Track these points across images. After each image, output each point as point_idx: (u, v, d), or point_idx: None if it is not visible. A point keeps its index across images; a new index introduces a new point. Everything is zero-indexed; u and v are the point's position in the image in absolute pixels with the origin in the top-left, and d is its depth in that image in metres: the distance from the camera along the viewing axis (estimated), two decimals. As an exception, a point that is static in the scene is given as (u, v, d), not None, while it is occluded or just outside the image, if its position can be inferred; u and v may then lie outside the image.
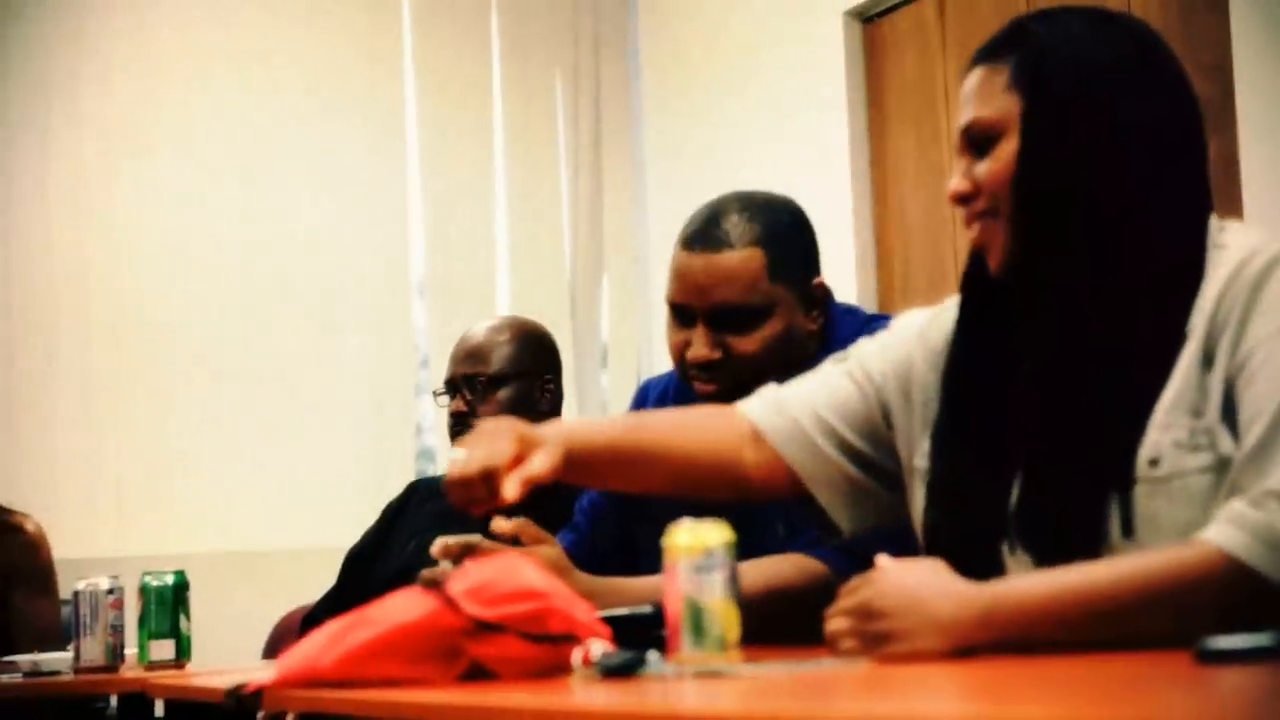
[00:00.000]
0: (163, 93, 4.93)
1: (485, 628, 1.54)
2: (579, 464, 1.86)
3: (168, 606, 2.50)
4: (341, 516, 3.98)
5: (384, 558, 3.06)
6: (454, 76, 5.29)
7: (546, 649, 1.54)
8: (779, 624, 1.88)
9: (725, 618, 1.52)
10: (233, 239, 4.93)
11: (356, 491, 4.55)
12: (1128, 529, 1.53)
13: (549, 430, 1.85)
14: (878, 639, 1.47)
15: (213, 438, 4.81)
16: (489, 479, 1.76)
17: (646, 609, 1.78)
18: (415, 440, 5.06)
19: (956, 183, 1.69)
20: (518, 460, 1.78)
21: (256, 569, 4.62)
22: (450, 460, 1.78)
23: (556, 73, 5.42)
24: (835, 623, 1.52)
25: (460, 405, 3.03)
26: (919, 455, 1.79)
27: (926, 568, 1.51)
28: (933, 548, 1.72)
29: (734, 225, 2.23)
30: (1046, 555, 1.58)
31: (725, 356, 2.20)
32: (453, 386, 3.06)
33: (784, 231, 2.27)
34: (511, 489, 1.76)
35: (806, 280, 2.27)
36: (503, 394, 3.01)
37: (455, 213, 5.22)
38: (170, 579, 2.51)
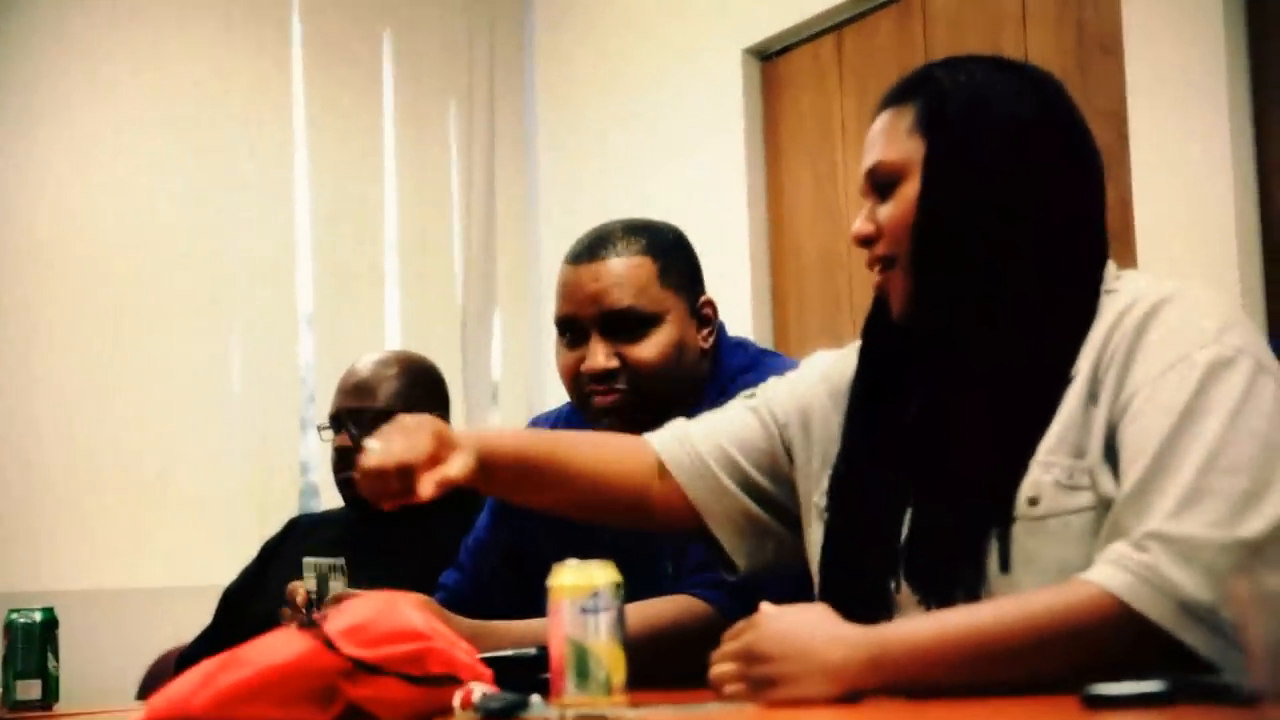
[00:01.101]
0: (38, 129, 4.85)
1: (363, 668, 1.52)
2: (492, 474, 1.87)
3: (35, 645, 2.44)
4: (220, 554, 3.93)
5: (262, 596, 3.02)
6: (344, 105, 5.26)
7: (426, 691, 1.53)
8: (665, 666, 1.88)
9: (611, 660, 1.51)
10: (110, 264, 4.85)
11: (236, 528, 4.50)
12: (1005, 566, 1.55)
13: (464, 433, 1.85)
14: (763, 683, 1.46)
15: (86, 469, 4.72)
16: (405, 474, 1.76)
17: (530, 651, 1.78)
18: (299, 476, 5.00)
19: (860, 225, 1.72)
20: (433, 459, 1.78)
21: (130, 607, 4.54)
22: (366, 451, 1.76)
23: (449, 103, 5.41)
24: (719, 667, 1.51)
25: (345, 441, 3.00)
26: (818, 494, 1.82)
27: (812, 612, 1.51)
28: (826, 584, 1.75)
29: (620, 238, 2.28)
30: (930, 592, 1.60)
31: (622, 366, 2.22)
32: (338, 421, 3.03)
33: (670, 245, 2.31)
34: (427, 488, 1.76)
35: (695, 295, 2.30)
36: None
37: (344, 244, 5.18)
38: (38, 616, 2.45)
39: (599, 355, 2.22)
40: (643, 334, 2.23)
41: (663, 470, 1.91)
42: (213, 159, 5.02)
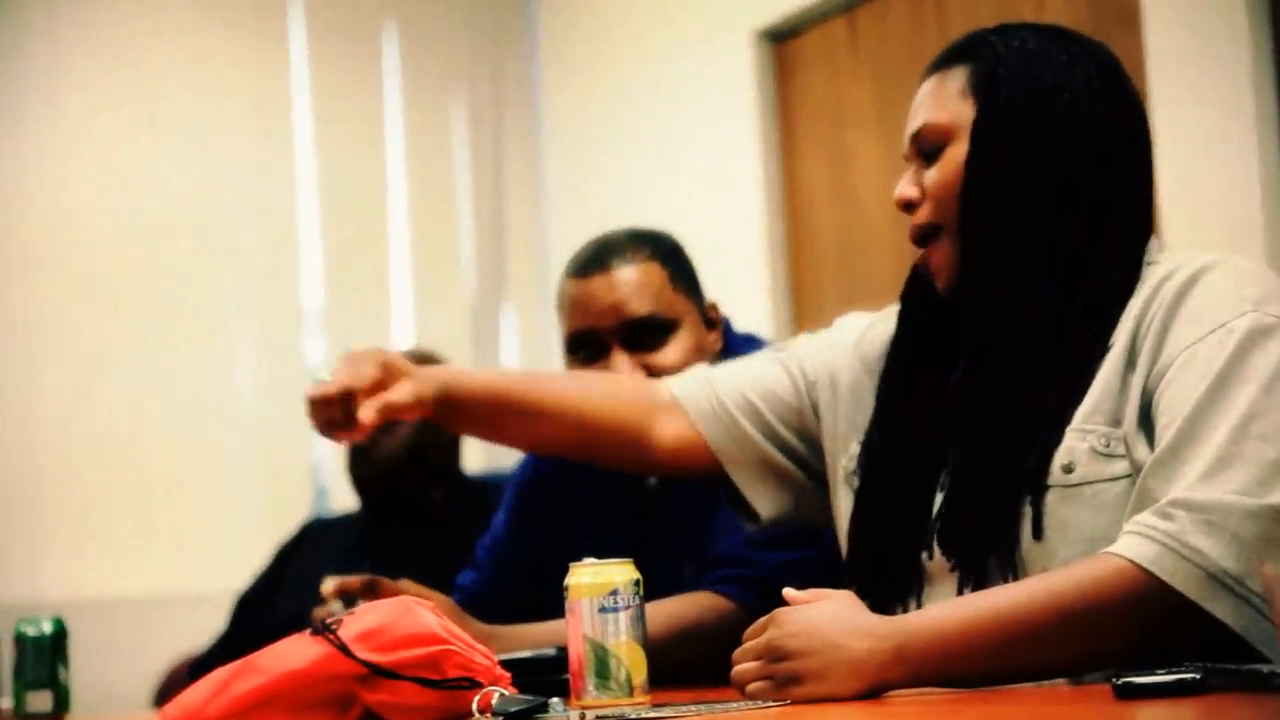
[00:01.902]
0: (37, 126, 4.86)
1: (379, 673, 1.52)
2: (458, 406, 1.86)
3: (45, 656, 2.44)
4: (232, 559, 3.93)
5: (276, 602, 3.03)
6: (348, 98, 5.26)
7: (444, 695, 1.52)
8: (688, 665, 1.88)
9: (631, 660, 1.51)
10: (112, 265, 4.85)
11: (248, 532, 4.49)
12: (1038, 533, 1.55)
13: (425, 369, 1.85)
14: (788, 681, 1.46)
15: (92, 476, 4.72)
16: (347, 402, 1.77)
17: (549, 651, 1.78)
18: (310, 478, 5.00)
19: (903, 189, 1.72)
20: (379, 386, 1.76)
21: (141, 615, 4.54)
22: (311, 382, 1.77)
23: (455, 94, 5.41)
24: (742, 666, 1.51)
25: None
26: (846, 459, 1.82)
27: (835, 603, 1.51)
28: (855, 554, 1.75)
29: (625, 246, 2.25)
30: (964, 560, 1.60)
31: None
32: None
33: (673, 249, 2.30)
34: (368, 413, 1.76)
35: (702, 298, 2.29)
36: (403, 426, 2.99)
37: (350, 240, 5.18)
38: (48, 627, 2.46)
39: (624, 368, 2.18)
40: (663, 341, 2.21)
41: (676, 410, 1.91)
42: (214, 155, 5.02)
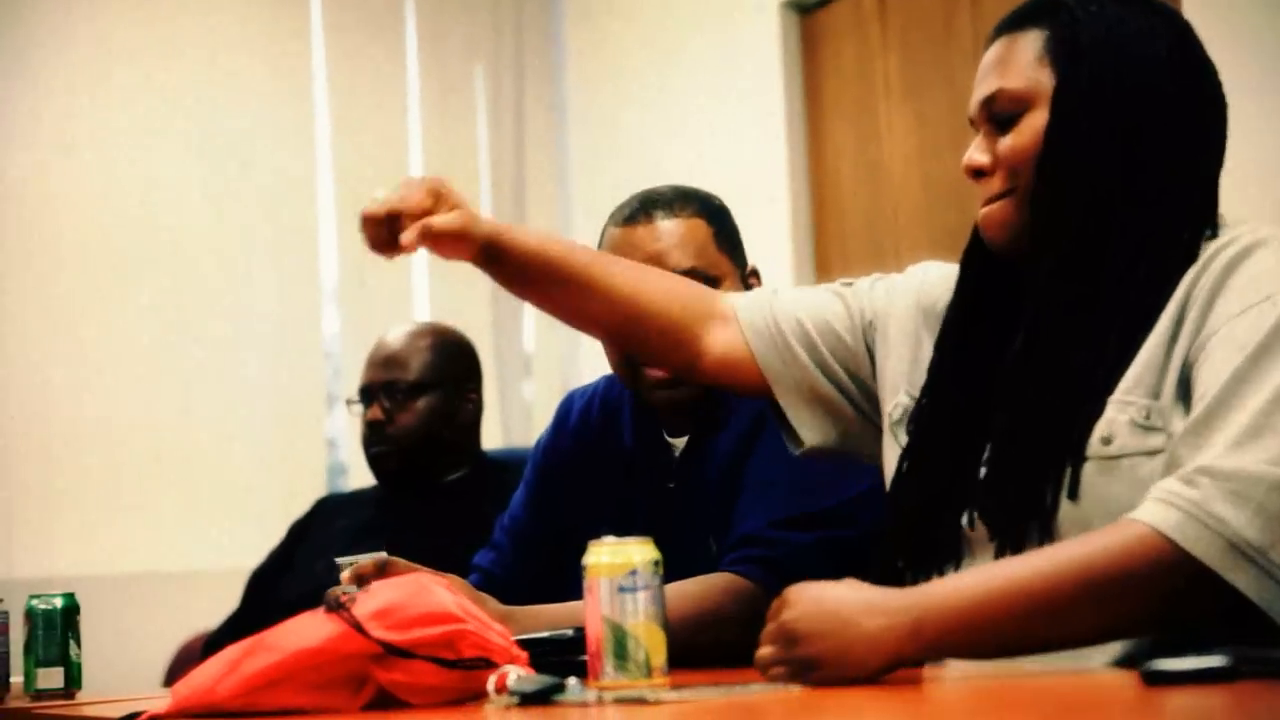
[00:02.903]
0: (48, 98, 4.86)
1: (394, 652, 1.52)
2: (507, 257, 1.89)
3: (56, 632, 2.44)
4: (245, 535, 3.94)
5: (290, 578, 3.04)
6: (367, 72, 5.26)
7: (459, 675, 1.53)
8: (709, 648, 1.88)
9: (650, 641, 1.50)
10: (127, 240, 4.86)
11: (261, 508, 4.51)
12: (1075, 500, 1.55)
13: (481, 216, 1.88)
14: (806, 665, 1.45)
15: (105, 451, 4.73)
16: (392, 221, 1.81)
17: (567, 632, 1.78)
18: (326, 454, 5.02)
19: (974, 156, 1.70)
20: (426, 212, 1.82)
21: (154, 591, 4.56)
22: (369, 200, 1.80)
23: (476, 67, 5.40)
24: (762, 650, 1.50)
25: (377, 414, 3.02)
26: (892, 405, 1.83)
27: (846, 584, 1.50)
28: (897, 517, 1.75)
29: (672, 200, 2.24)
30: (1002, 527, 1.60)
31: None
32: (368, 394, 3.05)
33: (719, 208, 2.29)
34: (409, 236, 1.80)
35: (744, 262, 2.28)
36: (422, 403, 3.00)
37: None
38: (59, 602, 2.46)
39: None
40: None
41: (730, 322, 1.92)
42: (232, 130, 5.03)
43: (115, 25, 4.94)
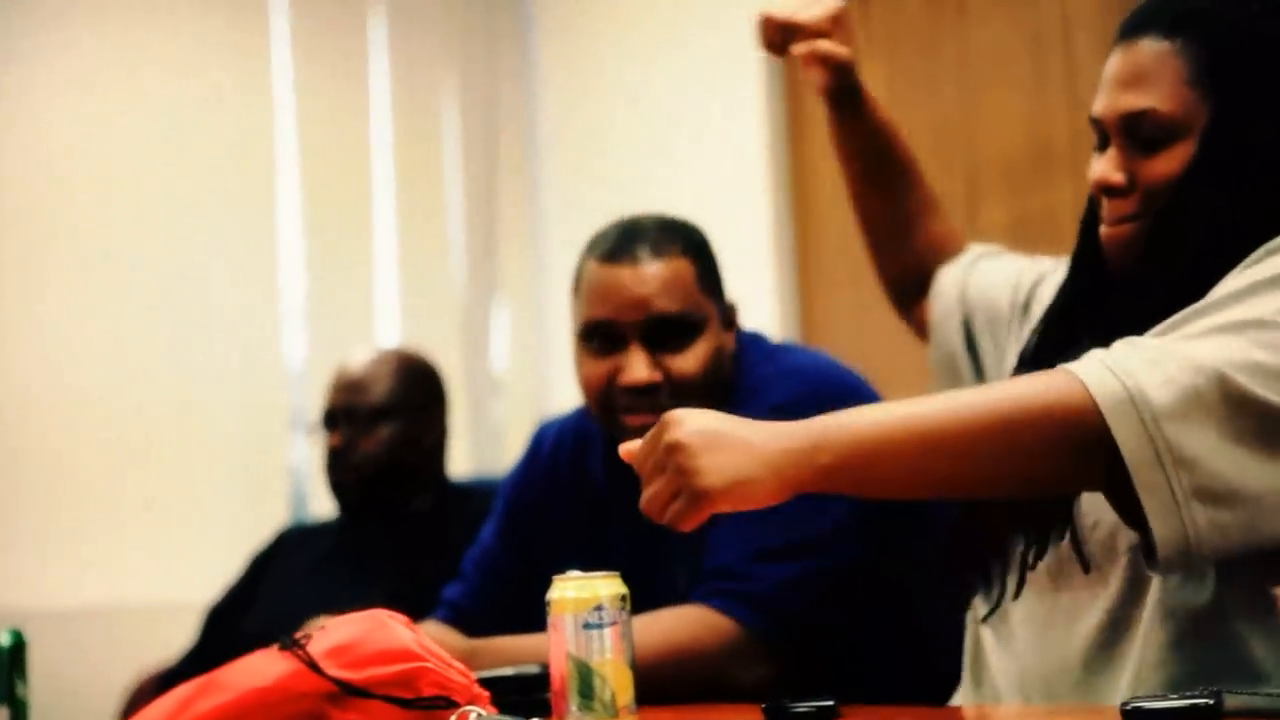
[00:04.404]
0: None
1: (350, 691, 1.51)
2: (860, 106, 2.13)
3: (2, 670, 2.44)
4: (203, 568, 3.92)
5: (249, 613, 3.03)
6: (333, 83, 5.26)
7: (418, 715, 1.52)
8: (678, 684, 1.88)
9: (616, 679, 1.50)
10: (80, 257, 4.83)
11: (221, 539, 4.48)
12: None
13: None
14: (694, 491, 1.41)
15: (55, 478, 4.70)
16: (787, 31, 2.02)
17: (532, 669, 1.78)
18: (289, 482, 5.00)
19: (1111, 173, 1.67)
20: (818, 32, 2.02)
21: (106, 626, 4.53)
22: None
23: (447, 77, 5.41)
24: (650, 490, 1.46)
25: (339, 440, 3.02)
26: None
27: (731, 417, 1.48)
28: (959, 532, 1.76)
29: (657, 237, 2.23)
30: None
31: (665, 380, 2.17)
32: (331, 420, 3.05)
33: (701, 244, 2.28)
34: (801, 50, 2.02)
35: (724, 298, 2.28)
36: (385, 429, 3.00)
37: (334, 234, 5.17)
38: (5, 638, 2.46)
39: (641, 368, 2.17)
40: (686, 343, 2.19)
41: (943, 271, 2.13)
42: (190, 142, 5.01)
43: (76, 25, 4.93)
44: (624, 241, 2.22)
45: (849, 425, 1.44)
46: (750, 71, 4.61)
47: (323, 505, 3.76)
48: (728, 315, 2.29)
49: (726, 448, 1.41)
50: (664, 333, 2.18)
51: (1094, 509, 1.60)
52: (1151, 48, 1.64)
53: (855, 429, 1.44)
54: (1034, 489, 1.47)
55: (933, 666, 1.97)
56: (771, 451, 1.42)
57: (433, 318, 5.22)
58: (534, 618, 2.14)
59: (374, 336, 5.08)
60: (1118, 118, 1.66)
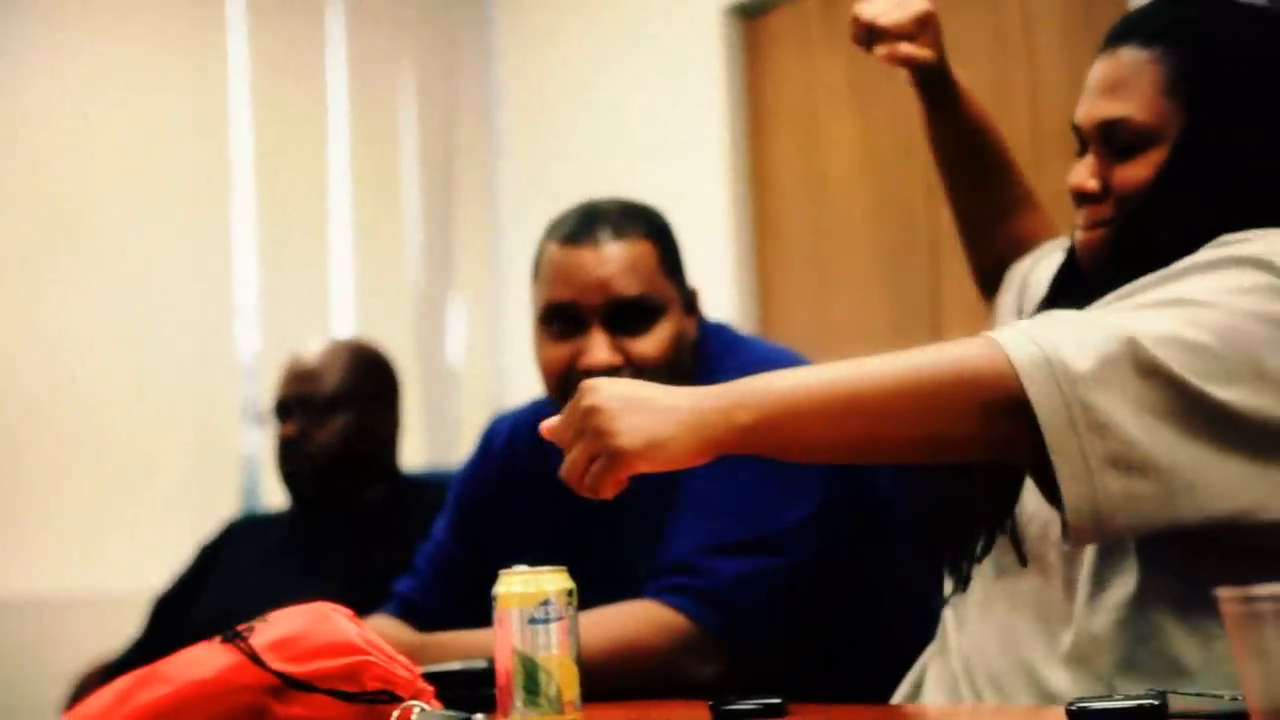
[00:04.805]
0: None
1: (293, 685, 1.51)
2: (952, 100, 2.14)
3: (-55, 660, 2.44)
4: (150, 558, 3.91)
5: (197, 605, 3.02)
6: (289, 72, 5.24)
7: (361, 709, 1.52)
8: (627, 680, 1.88)
9: (562, 675, 1.50)
10: (39, 249, 4.82)
11: (168, 530, 4.47)
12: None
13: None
14: (611, 452, 1.42)
15: (3, 466, 4.68)
16: (870, 32, 2.04)
17: (480, 664, 1.77)
18: (240, 472, 4.99)
19: (1085, 180, 1.69)
20: (906, 31, 2.04)
21: (51, 618, 4.52)
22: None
23: (404, 67, 5.40)
24: (570, 458, 1.47)
25: (292, 430, 3.01)
26: None
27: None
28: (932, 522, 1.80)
29: (619, 219, 2.22)
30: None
31: (626, 363, 2.17)
32: (284, 410, 3.04)
33: (664, 228, 2.28)
34: (882, 53, 2.04)
35: (685, 283, 2.28)
36: (339, 419, 2.99)
37: (288, 226, 5.15)
38: (-51, 629, 2.45)
39: (602, 350, 2.16)
40: (647, 326, 2.19)
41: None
42: (141, 134, 4.99)
43: (30, 17, 4.90)
44: (585, 224, 2.22)
45: (768, 385, 1.45)
46: (711, 66, 4.61)
47: (274, 495, 3.75)
48: (689, 300, 2.28)
49: (644, 410, 1.43)
50: (625, 316, 2.18)
51: (1032, 503, 1.61)
52: (1131, 56, 1.66)
53: (775, 389, 1.45)
54: (954, 453, 1.48)
55: (894, 662, 1.97)
56: (689, 411, 1.43)
57: (388, 310, 5.21)
58: (487, 613, 2.14)
59: (328, 328, 5.07)
60: (1094, 125, 1.68)
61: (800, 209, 4.47)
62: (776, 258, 4.53)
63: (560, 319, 2.21)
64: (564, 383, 2.20)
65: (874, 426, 1.45)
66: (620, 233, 2.20)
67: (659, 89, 4.80)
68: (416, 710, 1.48)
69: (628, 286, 2.18)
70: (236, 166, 5.11)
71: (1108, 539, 1.46)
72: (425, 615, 2.32)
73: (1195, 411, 1.42)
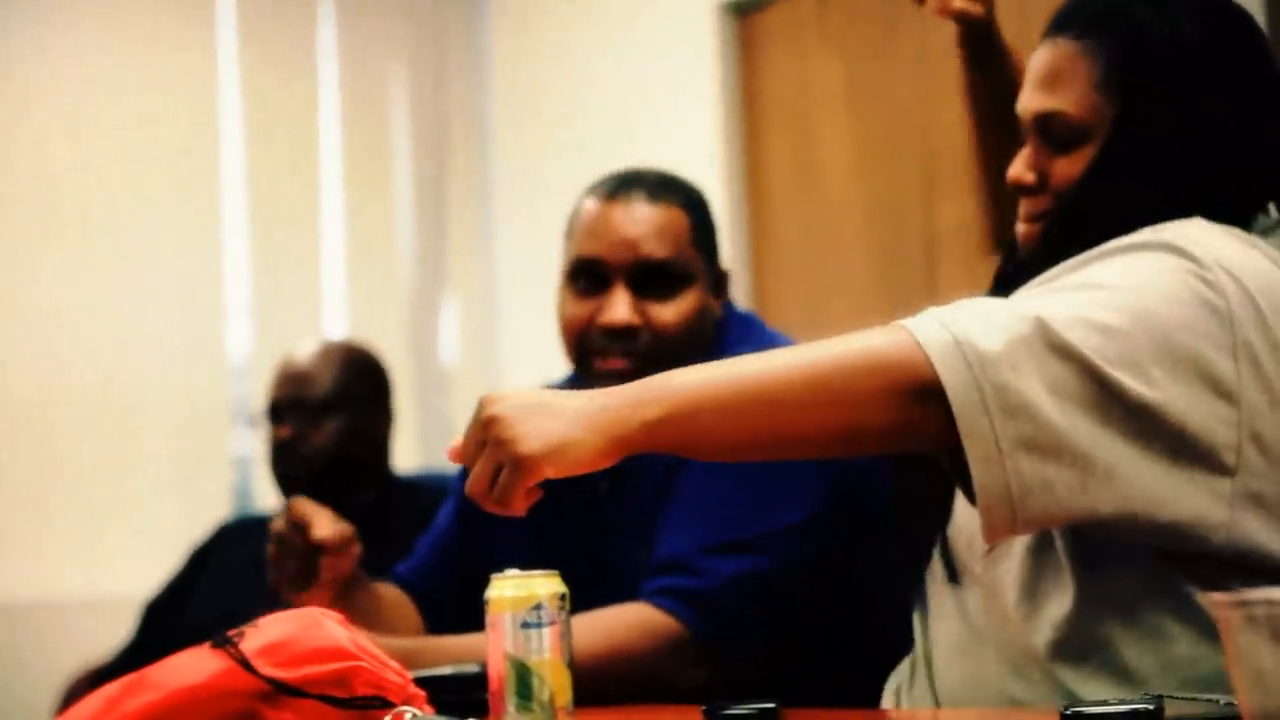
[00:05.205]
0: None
1: (283, 690, 1.50)
2: (1000, 53, 2.12)
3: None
4: (141, 562, 3.90)
5: (188, 609, 3.02)
6: (279, 72, 5.24)
7: (353, 715, 1.51)
8: (618, 685, 1.88)
9: (555, 679, 1.50)
10: (24, 247, 4.80)
11: (160, 532, 4.46)
12: None
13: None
14: (515, 460, 1.41)
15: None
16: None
17: (471, 669, 1.77)
18: (232, 474, 4.98)
19: (1022, 171, 1.69)
20: None
21: (40, 622, 4.50)
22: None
23: (395, 64, 5.39)
24: (474, 472, 1.46)
25: (286, 433, 3.01)
26: None
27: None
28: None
29: (656, 184, 2.24)
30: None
31: (644, 324, 2.17)
32: (277, 412, 3.04)
33: (700, 202, 2.30)
34: (934, 4, 2.04)
35: (717, 260, 2.28)
36: (333, 421, 2.99)
37: (279, 226, 5.15)
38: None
39: (622, 308, 2.17)
40: (671, 293, 2.19)
41: None
42: (132, 133, 4.98)
43: (17, 22, 4.89)
44: (623, 184, 2.24)
45: (672, 382, 1.45)
46: (707, 58, 4.61)
47: (266, 497, 3.75)
48: (719, 280, 2.29)
49: (546, 414, 1.42)
50: (650, 278, 2.19)
51: (961, 515, 1.61)
52: (1067, 48, 1.66)
53: (678, 385, 1.45)
54: (869, 444, 1.48)
55: (887, 666, 1.97)
56: (591, 412, 1.42)
57: (381, 311, 5.21)
58: (479, 606, 2.13)
59: (320, 329, 5.07)
60: (1032, 117, 1.69)
61: (793, 207, 4.47)
62: (770, 255, 4.53)
63: (586, 275, 2.22)
64: (582, 341, 2.21)
65: (784, 418, 1.44)
66: (655, 197, 2.22)
67: (653, 86, 4.79)
68: (408, 715, 1.49)
69: (656, 249, 2.19)
70: (227, 166, 5.10)
71: (1022, 530, 1.45)
72: (419, 598, 2.33)
73: (1111, 402, 1.41)
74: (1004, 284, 1.69)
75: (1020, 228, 1.71)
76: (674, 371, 1.47)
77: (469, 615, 2.09)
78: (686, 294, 2.20)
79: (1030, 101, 1.68)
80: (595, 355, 2.19)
